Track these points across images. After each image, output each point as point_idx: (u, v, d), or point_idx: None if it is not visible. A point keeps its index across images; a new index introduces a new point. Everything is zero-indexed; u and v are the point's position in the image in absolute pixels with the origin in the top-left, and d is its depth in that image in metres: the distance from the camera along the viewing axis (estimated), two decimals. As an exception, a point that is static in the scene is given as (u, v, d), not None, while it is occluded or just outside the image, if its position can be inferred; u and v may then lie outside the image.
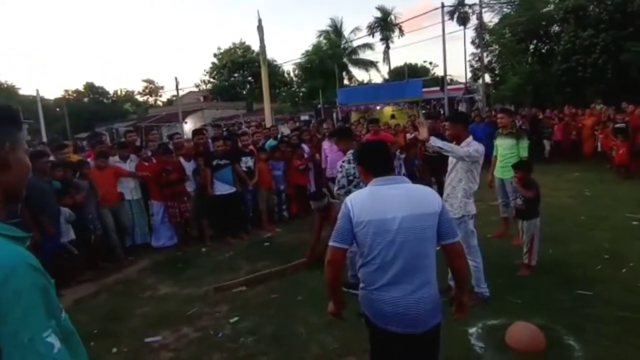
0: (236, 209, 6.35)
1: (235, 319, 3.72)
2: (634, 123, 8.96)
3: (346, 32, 31.09)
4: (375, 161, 2.03)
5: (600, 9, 16.68)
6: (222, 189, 6.10)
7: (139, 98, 51.45)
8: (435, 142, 3.46)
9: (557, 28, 19.52)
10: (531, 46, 20.43)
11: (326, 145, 7.10)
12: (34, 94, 24.35)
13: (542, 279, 4.05)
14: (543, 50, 20.14)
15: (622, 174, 8.55)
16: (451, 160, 3.67)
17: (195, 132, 7.05)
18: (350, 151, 3.88)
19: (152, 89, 51.52)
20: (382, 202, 1.88)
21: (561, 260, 4.50)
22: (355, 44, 30.63)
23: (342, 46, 30.20)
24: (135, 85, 79.28)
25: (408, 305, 1.84)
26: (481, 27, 21.33)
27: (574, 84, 16.93)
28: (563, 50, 17.38)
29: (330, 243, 1.94)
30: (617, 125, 8.99)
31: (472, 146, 3.51)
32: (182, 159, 6.19)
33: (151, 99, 51.57)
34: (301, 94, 30.79)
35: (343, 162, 4.08)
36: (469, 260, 3.59)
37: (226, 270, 5.04)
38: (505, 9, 22.38)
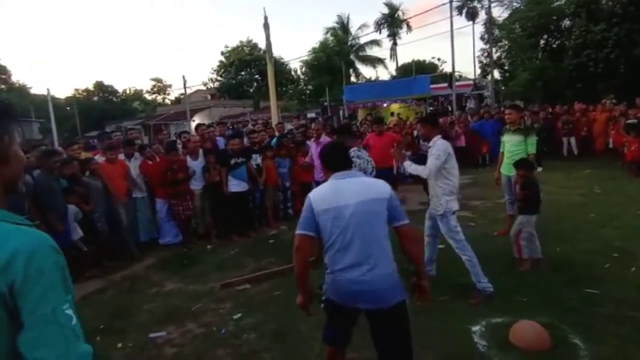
0: (246, 207, 6.40)
1: (239, 315, 3.75)
2: (646, 118, 8.80)
3: (353, 29, 31.04)
4: (333, 160, 2.31)
5: (614, 1, 16.35)
6: (237, 186, 6.14)
7: (148, 96, 51.89)
8: (408, 167, 3.93)
9: (568, 22, 19.22)
10: (541, 41, 20.16)
11: (312, 146, 6.80)
12: (45, 93, 24.64)
13: (548, 277, 4.00)
14: (554, 46, 19.86)
15: (634, 172, 8.40)
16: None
17: (199, 125, 7.16)
18: (354, 148, 3.91)
19: (161, 87, 51.90)
20: (339, 193, 2.14)
21: (569, 258, 4.44)
22: (362, 40, 30.57)
23: (349, 43, 30.13)
24: (144, 84, 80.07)
25: (368, 282, 2.05)
26: (490, 22, 21.10)
27: (585, 80, 16.66)
28: (574, 45, 17.11)
29: (297, 232, 2.16)
30: (629, 121, 8.84)
31: (435, 147, 3.78)
32: (188, 158, 6.21)
33: (159, 98, 51.97)
34: (308, 91, 30.82)
35: (352, 158, 4.07)
36: (460, 255, 3.75)
37: (231, 267, 5.07)
38: (515, 3, 22.12)
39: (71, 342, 0.94)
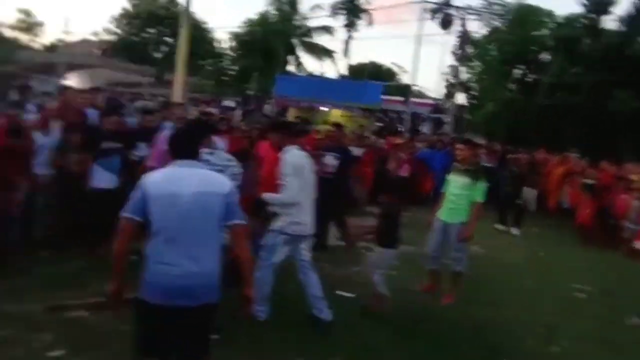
0: (109, 209, 6.02)
1: (60, 353, 3.55)
2: (604, 181, 9.96)
3: (303, 7, 31.53)
4: (177, 147, 2.68)
5: (595, 43, 18.53)
6: (104, 181, 5.78)
7: (8, 33, 47.75)
8: (268, 199, 4.35)
9: (547, 57, 21.41)
10: (516, 71, 22.15)
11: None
12: None
13: (463, 344, 4.39)
14: (527, 79, 21.90)
15: (583, 239, 9.39)
16: None
17: (67, 88, 6.77)
18: (205, 150, 4.11)
19: (30, 24, 48.14)
20: (174, 180, 2.51)
21: (491, 326, 4.91)
22: (311, 23, 31.14)
23: (294, 22, 30.52)
24: (5, 16, 73.59)
25: (193, 277, 2.43)
26: (465, 36, 22.75)
27: (553, 124, 18.53)
28: (548, 83, 19.05)
29: (122, 214, 2.53)
30: (586, 181, 9.95)
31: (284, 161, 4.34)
32: (37, 133, 5.72)
33: (25, 38, 48.08)
34: (232, 72, 30.57)
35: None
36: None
37: (69, 285, 4.79)
38: (495, 22, 24.11)
39: None
